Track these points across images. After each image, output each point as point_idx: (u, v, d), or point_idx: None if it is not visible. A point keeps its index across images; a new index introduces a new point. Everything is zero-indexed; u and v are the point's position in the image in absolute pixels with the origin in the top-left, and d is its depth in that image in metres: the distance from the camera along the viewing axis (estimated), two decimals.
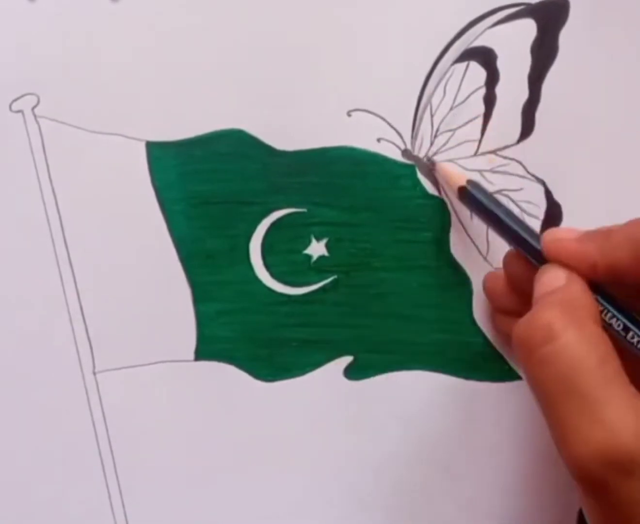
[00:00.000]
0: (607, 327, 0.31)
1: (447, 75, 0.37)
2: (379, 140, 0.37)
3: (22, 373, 0.38)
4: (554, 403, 0.28)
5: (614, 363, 0.28)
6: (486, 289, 0.36)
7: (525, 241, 0.33)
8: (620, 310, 0.31)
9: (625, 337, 0.31)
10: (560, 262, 0.31)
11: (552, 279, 0.31)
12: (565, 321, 0.28)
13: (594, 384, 0.27)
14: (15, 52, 0.36)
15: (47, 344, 0.38)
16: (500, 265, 0.37)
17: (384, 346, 0.38)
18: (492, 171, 0.37)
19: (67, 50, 0.36)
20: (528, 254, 0.33)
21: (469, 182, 0.34)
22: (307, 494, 0.39)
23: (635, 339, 0.31)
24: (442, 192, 0.37)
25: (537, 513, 0.39)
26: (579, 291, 0.30)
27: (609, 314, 0.31)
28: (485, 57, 0.36)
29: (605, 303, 0.31)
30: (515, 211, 0.37)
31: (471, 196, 0.34)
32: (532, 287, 0.32)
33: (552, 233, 0.32)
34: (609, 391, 0.27)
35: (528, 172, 0.37)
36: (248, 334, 0.38)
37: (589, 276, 0.30)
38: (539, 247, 0.32)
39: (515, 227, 0.33)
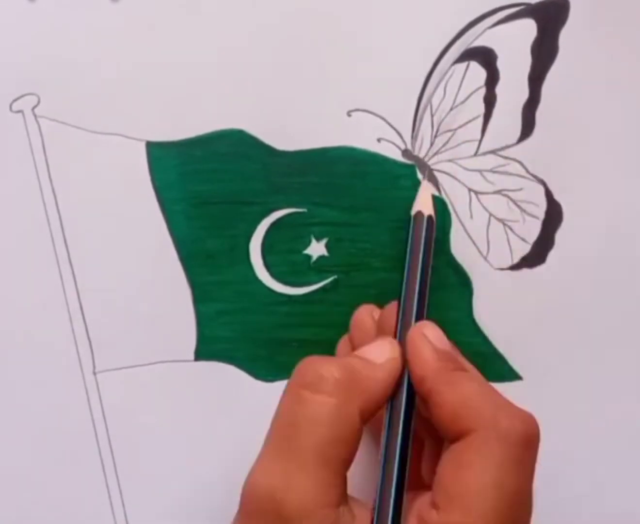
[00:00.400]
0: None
1: (447, 75, 0.37)
2: (379, 140, 0.37)
3: (22, 373, 0.38)
4: (275, 434, 0.30)
5: (347, 450, 0.30)
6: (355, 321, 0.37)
7: (407, 299, 0.33)
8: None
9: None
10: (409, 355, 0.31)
11: (380, 346, 0.32)
12: (338, 389, 0.30)
13: (313, 450, 0.29)
14: (15, 52, 0.36)
15: (47, 344, 0.38)
16: (500, 265, 0.37)
17: None
18: (492, 171, 0.37)
19: (67, 50, 0.36)
20: (400, 312, 0.33)
21: (418, 213, 0.34)
22: None
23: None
24: (442, 192, 0.37)
25: (536, 510, 0.39)
26: (377, 376, 0.31)
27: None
28: (485, 57, 0.36)
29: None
30: (516, 210, 0.37)
31: (411, 226, 0.34)
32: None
33: (422, 329, 0.32)
34: (317, 465, 0.29)
35: (528, 172, 0.37)
36: (248, 334, 0.38)
37: (417, 384, 0.31)
38: (410, 318, 0.32)
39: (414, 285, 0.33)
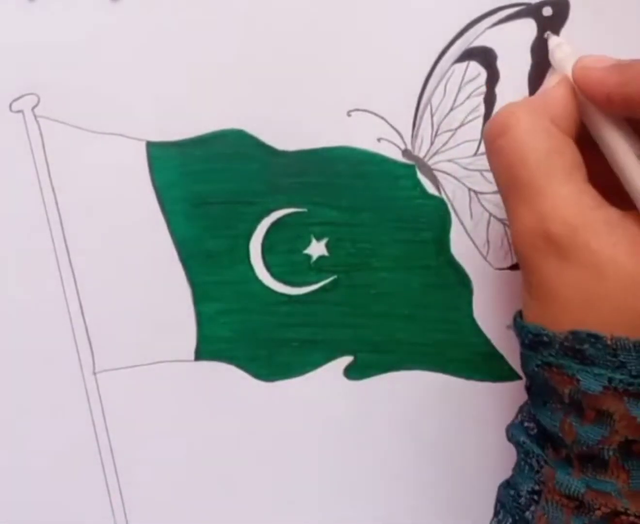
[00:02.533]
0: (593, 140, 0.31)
1: (447, 75, 0.36)
2: (379, 140, 0.37)
3: (23, 373, 0.38)
4: (505, 191, 0.30)
5: (561, 158, 0.29)
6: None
7: None
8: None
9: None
10: (582, 89, 0.31)
11: (547, 82, 0.32)
12: (521, 115, 0.30)
13: (536, 174, 0.29)
14: (15, 52, 0.36)
15: (47, 344, 0.38)
16: (500, 265, 0.37)
17: (384, 346, 0.38)
18: None
19: (67, 50, 0.36)
20: None
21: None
22: (307, 493, 0.39)
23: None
24: (442, 192, 0.37)
25: None
26: (557, 93, 0.31)
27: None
28: (485, 57, 0.36)
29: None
30: None
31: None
32: None
33: (582, 60, 0.31)
34: (550, 182, 0.29)
35: None
36: (248, 334, 0.38)
37: (605, 106, 0.30)
38: None
39: None
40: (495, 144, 0.30)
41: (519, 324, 0.31)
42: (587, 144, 0.31)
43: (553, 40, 0.34)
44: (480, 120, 0.37)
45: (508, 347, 0.38)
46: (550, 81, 0.32)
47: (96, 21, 0.36)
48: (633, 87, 0.29)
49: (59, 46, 0.36)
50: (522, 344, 0.31)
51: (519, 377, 0.38)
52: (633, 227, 0.28)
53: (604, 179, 0.30)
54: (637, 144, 0.30)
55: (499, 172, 0.30)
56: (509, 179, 0.30)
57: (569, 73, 0.31)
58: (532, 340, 0.29)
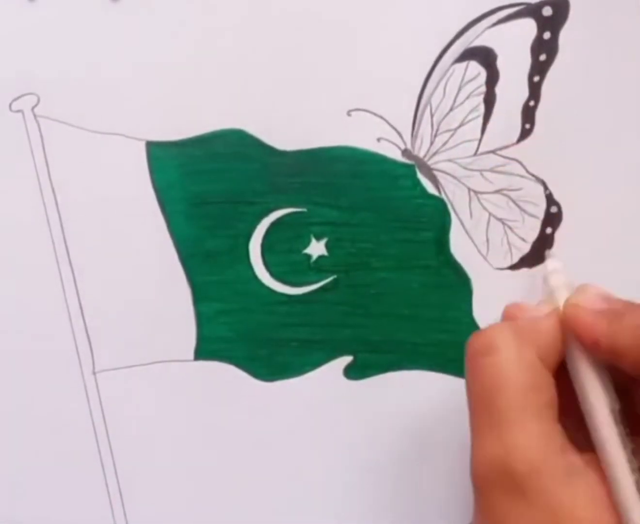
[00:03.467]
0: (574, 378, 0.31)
1: (447, 75, 0.36)
2: (379, 140, 0.37)
3: (22, 373, 0.38)
4: (474, 411, 0.30)
5: (542, 396, 0.29)
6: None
7: None
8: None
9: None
10: (570, 328, 0.31)
11: (537, 309, 0.32)
12: (509, 341, 0.30)
13: (511, 406, 0.29)
14: (15, 52, 0.36)
15: (47, 344, 0.38)
16: (500, 265, 0.37)
17: (383, 346, 0.38)
18: (492, 171, 0.37)
19: (67, 50, 0.36)
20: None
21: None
22: (306, 493, 0.39)
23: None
24: (442, 192, 0.37)
25: None
26: (546, 325, 0.31)
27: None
28: (485, 57, 0.36)
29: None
30: (515, 210, 0.37)
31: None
32: None
33: (575, 298, 0.31)
34: (522, 419, 0.29)
35: (528, 172, 0.37)
36: (248, 333, 0.38)
37: (592, 350, 0.30)
38: None
39: None
40: (476, 361, 0.30)
41: None
42: (563, 374, 0.31)
43: (550, 264, 0.34)
44: (480, 120, 0.37)
45: None
46: (541, 309, 0.32)
47: (96, 21, 0.36)
48: (620, 340, 0.29)
49: (59, 46, 0.36)
50: None
51: None
52: (594, 476, 0.28)
53: (576, 412, 0.30)
54: (612, 396, 0.30)
55: (474, 390, 0.30)
56: (483, 401, 0.30)
57: (560, 304, 0.31)
58: None
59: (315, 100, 0.37)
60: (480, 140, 0.37)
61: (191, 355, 0.38)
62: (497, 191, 0.37)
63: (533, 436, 0.29)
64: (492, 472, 0.29)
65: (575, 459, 0.29)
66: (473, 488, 0.30)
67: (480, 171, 0.37)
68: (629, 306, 0.30)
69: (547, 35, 0.36)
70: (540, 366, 0.30)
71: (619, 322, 0.29)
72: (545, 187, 0.37)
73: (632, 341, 0.29)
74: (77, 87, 0.37)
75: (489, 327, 0.31)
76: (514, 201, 0.37)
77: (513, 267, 0.37)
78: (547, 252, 0.36)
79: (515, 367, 0.29)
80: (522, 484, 0.28)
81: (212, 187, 0.37)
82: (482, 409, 0.30)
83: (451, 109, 0.37)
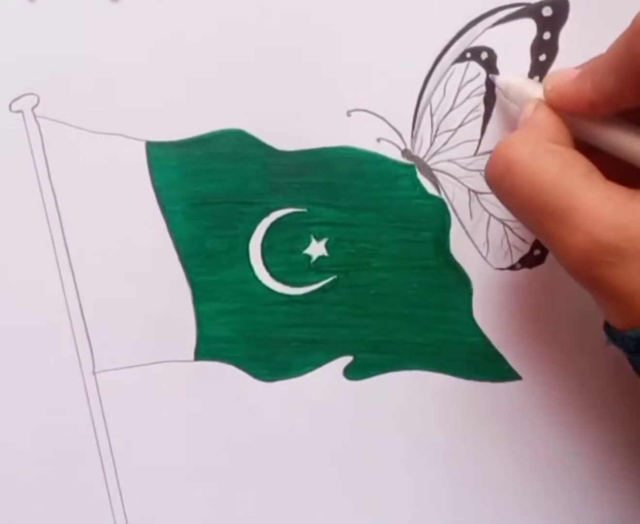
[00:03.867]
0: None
1: (447, 75, 0.36)
2: (378, 140, 0.37)
3: (22, 373, 0.38)
4: (535, 224, 0.29)
5: (580, 165, 0.29)
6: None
7: None
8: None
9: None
10: (561, 109, 0.31)
11: (525, 112, 0.32)
12: (519, 146, 0.29)
13: (560, 193, 0.28)
14: (15, 52, 0.36)
15: (47, 344, 0.38)
16: (500, 265, 0.37)
17: (383, 346, 0.38)
18: None
19: (67, 50, 0.36)
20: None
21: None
22: (306, 493, 0.39)
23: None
24: (442, 192, 0.37)
25: (536, 511, 0.39)
26: (539, 117, 0.31)
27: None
28: (485, 58, 0.36)
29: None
30: None
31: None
32: None
33: (550, 80, 0.31)
34: (578, 195, 0.28)
35: None
36: (248, 334, 0.38)
37: (591, 113, 0.30)
38: None
39: None
40: (503, 184, 0.29)
41: (617, 336, 0.30)
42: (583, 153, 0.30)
43: (501, 78, 0.35)
44: (480, 120, 0.37)
45: (507, 347, 0.38)
46: (525, 111, 0.32)
47: (96, 21, 0.36)
48: (611, 81, 0.29)
49: (59, 46, 0.36)
50: (629, 352, 0.30)
51: (519, 377, 0.38)
52: None
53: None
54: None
55: (519, 209, 0.30)
56: (534, 211, 0.29)
57: (537, 97, 0.32)
58: (637, 345, 0.29)
59: (315, 100, 0.37)
60: (480, 140, 0.37)
61: (191, 355, 0.38)
62: None
63: (596, 202, 0.28)
64: (586, 258, 0.28)
65: None
66: (578, 280, 0.29)
67: (480, 171, 0.37)
68: (595, 57, 0.30)
69: (547, 35, 0.36)
70: (560, 147, 0.29)
71: (598, 70, 0.29)
72: None
73: (615, 77, 0.28)
74: (77, 88, 0.36)
75: (496, 149, 0.30)
76: None
77: (513, 267, 0.37)
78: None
79: (539, 161, 0.29)
80: (619, 247, 0.27)
81: (212, 187, 0.37)
82: (538, 217, 0.29)
83: (451, 109, 0.37)
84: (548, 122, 0.31)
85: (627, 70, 0.28)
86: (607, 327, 0.30)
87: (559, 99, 0.31)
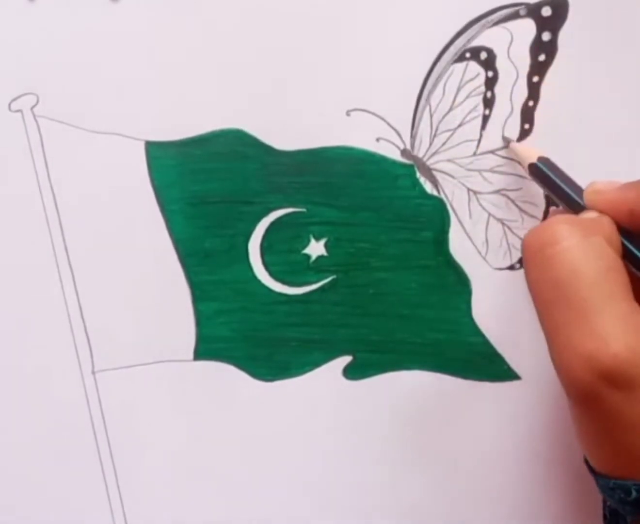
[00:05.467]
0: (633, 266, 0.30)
1: (447, 75, 0.36)
2: (378, 140, 0.37)
3: (22, 373, 0.38)
4: (550, 308, 0.28)
5: (618, 277, 0.27)
6: None
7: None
8: None
9: None
10: (600, 210, 0.30)
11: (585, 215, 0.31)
12: (572, 230, 0.28)
13: (591, 293, 0.27)
14: (15, 52, 0.36)
15: (47, 344, 0.38)
16: (499, 265, 0.37)
17: (383, 346, 0.38)
18: (492, 171, 0.37)
19: (67, 50, 0.36)
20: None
21: (540, 158, 0.34)
22: (306, 493, 0.39)
23: None
24: (441, 192, 0.37)
25: (536, 511, 0.39)
26: (603, 219, 0.30)
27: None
28: (485, 57, 0.36)
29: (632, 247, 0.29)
30: (515, 210, 0.37)
31: (540, 172, 0.33)
32: None
33: (592, 185, 0.31)
34: (606, 302, 0.27)
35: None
36: (247, 333, 0.38)
37: (628, 223, 0.29)
38: None
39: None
40: (543, 253, 0.28)
41: (601, 483, 0.28)
42: None
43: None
44: (479, 120, 0.37)
45: (507, 347, 0.38)
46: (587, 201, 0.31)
47: (96, 21, 0.36)
48: None
49: (59, 46, 0.36)
50: (622, 503, 0.28)
51: (518, 377, 0.38)
52: None
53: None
54: None
55: (542, 285, 0.28)
56: (558, 295, 0.27)
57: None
58: (623, 499, 0.27)
59: (315, 100, 0.37)
60: (479, 140, 0.37)
61: (191, 355, 0.38)
62: (497, 191, 0.37)
63: (624, 318, 0.26)
64: (595, 369, 0.26)
65: None
66: (572, 398, 0.27)
67: (480, 171, 0.37)
68: None
69: (546, 35, 0.36)
70: (611, 250, 0.28)
71: None
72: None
73: None
74: (76, 87, 0.37)
75: (545, 223, 0.29)
76: (513, 201, 0.37)
77: (512, 267, 0.37)
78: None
79: (588, 252, 0.27)
80: (629, 373, 0.25)
81: (211, 187, 0.37)
82: (558, 305, 0.27)
83: (450, 109, 0.37)
84: (607, 221, 0.29)
85: None
86: (587, 462, 0.29)
87: (601, 202, 0.30)
